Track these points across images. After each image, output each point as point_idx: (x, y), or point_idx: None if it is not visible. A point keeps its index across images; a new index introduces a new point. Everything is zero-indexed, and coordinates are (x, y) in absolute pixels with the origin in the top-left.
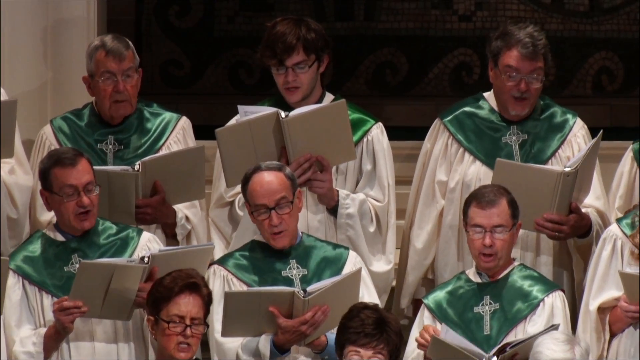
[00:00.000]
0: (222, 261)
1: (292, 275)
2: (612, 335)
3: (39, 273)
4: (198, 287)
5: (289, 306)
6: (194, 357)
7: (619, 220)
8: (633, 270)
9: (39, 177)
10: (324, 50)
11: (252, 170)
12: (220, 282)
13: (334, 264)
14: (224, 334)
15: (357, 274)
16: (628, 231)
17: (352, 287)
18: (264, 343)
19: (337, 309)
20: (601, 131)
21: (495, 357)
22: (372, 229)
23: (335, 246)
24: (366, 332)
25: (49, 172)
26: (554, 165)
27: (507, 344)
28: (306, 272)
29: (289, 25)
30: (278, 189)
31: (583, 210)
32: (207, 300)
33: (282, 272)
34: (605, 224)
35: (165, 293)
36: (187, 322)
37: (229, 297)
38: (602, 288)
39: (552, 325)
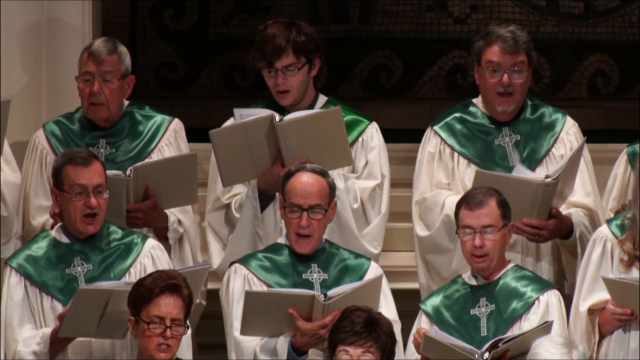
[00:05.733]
0: (243, 260)
1: (312, 279)
2: (602, 337)
3: (40, 273)
4: (179, 288)
5: (309, 309)
6: (174, 358)
7: (609, 222)
8: (623, 275)
9: (51, 175)
10: (314, 54)
11: (296, 168)
12: (241, 280)
13: (355, 272)
14: (243, 332)
15: (378, 281)
16: (618, 233)
17: (373, 293)
18: (282, 344)
19: None
20: (584, 137)
21: (487, 353)
22: (355, 205)
23: (357, 255)
24: (355, 331)
25: (62, 169)
26: (548, 165)
27: (500, 340)
28: (327, 277)
29: (279, 27)
30: (316, 194)
31: (572, 209)
32: (188, 302)
33: (303, 274)
34: (594, 223)
35: (145, 294)
36: (168, 323)
37: (249, 296)
38: (592, 290)
39: (545, 322)
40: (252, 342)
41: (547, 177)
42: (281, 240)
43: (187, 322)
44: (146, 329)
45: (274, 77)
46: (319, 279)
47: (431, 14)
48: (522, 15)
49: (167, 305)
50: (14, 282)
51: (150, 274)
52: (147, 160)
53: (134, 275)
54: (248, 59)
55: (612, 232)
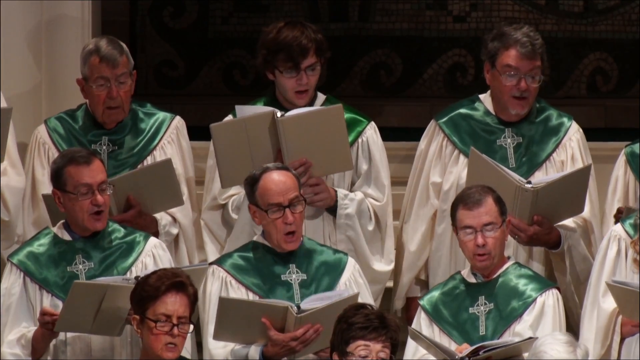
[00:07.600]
0: (221, 261)
1: (291, 280)
2: (622, 337)
3: (41, 271)
4: (184, 286)
5: (282, 319)
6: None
7: (622, 221)
8: (635, 276)
9: (51, 177)
10: (326, 52)
11: (260, 171)
12: (219, 283)
13: (333, 270)
14: (216, 337)
15: (354, 298)
16: (631, 231)
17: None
18: (254, 353)
19: (329, 330)
20: (590, 164)
21: (467, 359)
22: (371, 227)
23: (335, 251)
24: (374, 326)
25: (63, 170)
26: (548, 170)
27: (482, 347)
28: (305, 277)
29: (296, 28)
30: (292, 188)
31: (569, 219)
32: (193, 300)
33: (282, 275)
34: (588, 235)
35: (151, 292)
36: (174, 321)
37: (223, 302)
38: None
39: (530, 338)
40: (225, 348)
41: (528, 182)
42: (257, 238)
43: (192, 319)
44: (153, 327)
45: (297, 78)
46: (298, 279)
47: (431, 12)
48: (521, 14)
49: (174, 303)
50: (12, 280)
51: (154, 272)
52: (123, 173)
53: (135, 274)
54: (257, 62)
55: (626, 231)
